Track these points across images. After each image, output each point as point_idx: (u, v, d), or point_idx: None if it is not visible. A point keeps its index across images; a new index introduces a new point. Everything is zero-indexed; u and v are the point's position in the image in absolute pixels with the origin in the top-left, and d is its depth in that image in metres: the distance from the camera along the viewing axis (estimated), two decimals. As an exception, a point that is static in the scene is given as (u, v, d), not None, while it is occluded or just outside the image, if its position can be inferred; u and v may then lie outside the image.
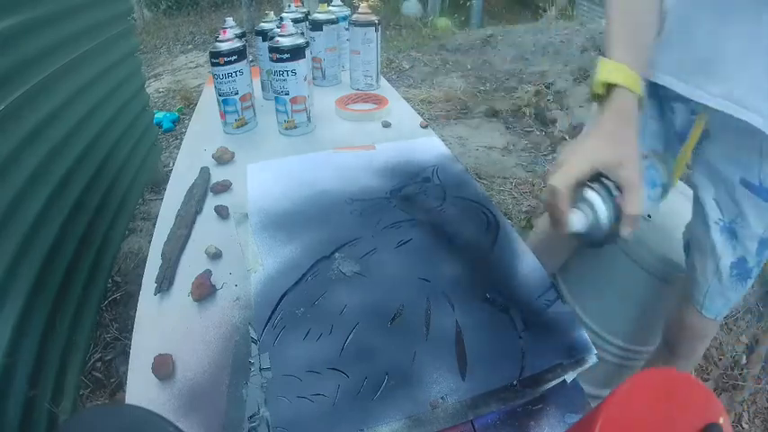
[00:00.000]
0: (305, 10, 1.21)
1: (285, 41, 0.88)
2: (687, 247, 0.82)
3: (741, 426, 1.16)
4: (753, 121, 0.60)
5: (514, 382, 0.47)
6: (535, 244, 0.94)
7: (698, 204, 0.75)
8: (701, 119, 0.68)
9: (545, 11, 5.29)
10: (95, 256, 1.37)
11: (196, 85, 3.42)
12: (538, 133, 2.61)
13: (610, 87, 0.51)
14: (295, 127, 0.97)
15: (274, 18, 1.14)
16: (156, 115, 2.56)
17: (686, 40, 0.63)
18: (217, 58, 0.91)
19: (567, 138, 2.50)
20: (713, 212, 0.72)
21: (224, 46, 0.91)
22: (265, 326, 0.53)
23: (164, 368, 0.48)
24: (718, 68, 0.61)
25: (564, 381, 0.48)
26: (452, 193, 0.76)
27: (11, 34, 1.03)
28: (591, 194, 0.47)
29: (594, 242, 0.49)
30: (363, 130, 1.00)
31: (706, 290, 0.76)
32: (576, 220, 0.48)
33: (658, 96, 0.72)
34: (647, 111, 0.73)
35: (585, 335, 0.52)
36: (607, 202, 0.46)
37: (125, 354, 1.28)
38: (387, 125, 1.02)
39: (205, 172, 0.83)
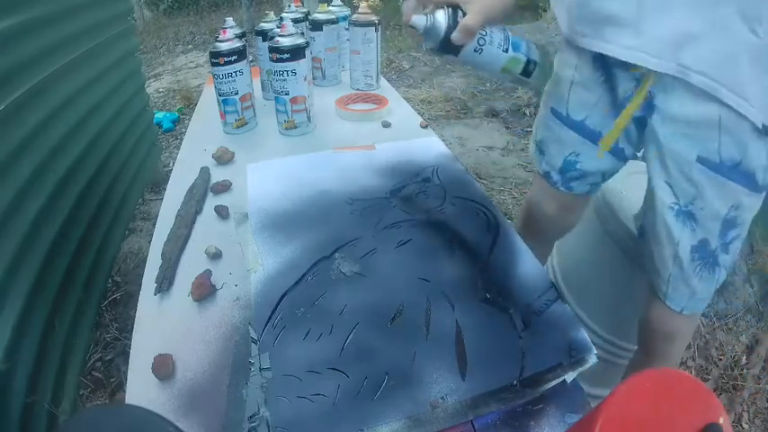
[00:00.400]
0: (305, 10, 1.21)
1: (285, 41, 0.88)
2: (641, 235, 0.76)
3: (741, 426, 1.16)
4: (705, 86, 0.56)
5: (514, 382, 0.47)
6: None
7: (648, 190, 0.70)
8: (645, 81, 0.63)
9: (545, 11, 5.29)
10: (95, 256, 1.37)
11: (196, 85, 3.42)
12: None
13: None
14: (295, 127, 0.97)
15: (274, 18, 1.14)
16: (156, 115, 2.56)
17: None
18: (217, 58, 0.91)
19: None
20: (666, 197, 0.66)
21: (224, 46, 0.91)
22: (265, 326, 0.53)
23: (164, 368, 0.48)
24: (655, 23, 0.57)
25: (564, 381, 0.48)
26: (452, 193, 0.76)
27: (11, 34, 1.03)
28: (438, 9, 0.61)
29: (435, 46, 0.62)
30: (363, 130, 1.00)
31: (667, 277, 0.71)
32: (417, 18, 0.62)
33: (604, 65, 0.68)
34: (601, 83, 0.70)
35: (585, 335, 0.52)
36: (448, 17, 0.60)
37: (125, 354, 1.28)
38: (387, 125, 1.02)
39: (205, 172, 0.83)
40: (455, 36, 0.60)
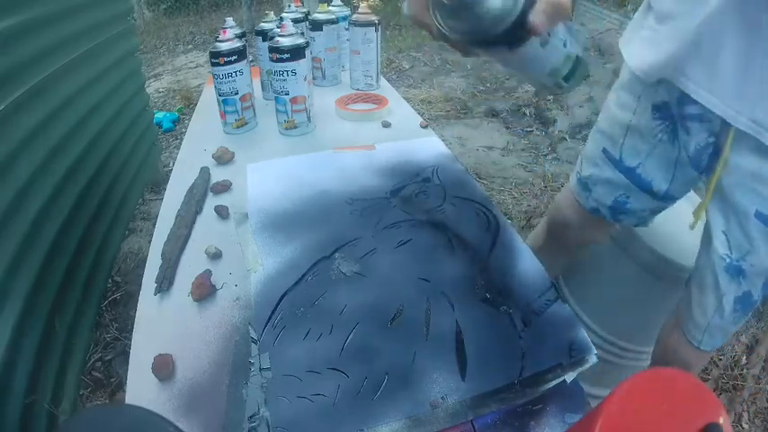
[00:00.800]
0: (305, 10, 1.21)
1: (285, 41, 0.88)
2: (687, 280, 0.76)
3: (741, 426, 1.16)
4: None
5: (514, 382, 0.47)
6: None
7: (706, 236, 0.69)
8: (726, 143, 0.61)
9: (545, 11, 5.28)
10: (95, 256, 1.37)
11: (196, 85, 3.42)
12: (538, 133, 2.61)
13: None
14: (295, 127, 0.97)
15: (274, 18, 1.14)
16: (156, 115, 2.56)
17: (714, 52, 0.57)
18: (217, 58, 0.91)
19: (567, 138, 2.50)
20: (721, 247, 0.65)
21: (224, 46, 0.91)
22: (265, 326, 0.53)
23: (164, 368, 0.48)
24: (743, 86, 0.56)
25: (564, 381, 0.48)
26: (452, 193, 0.76)
27: (11, 34, 1.03)
28: None
29: (498, 29, 0.39)
30: (363, 130, 1.00)
31: (705, 327, 0.71)
32: None
33: (671, 116, 0.68)
34: (657, 134, 0.70)
35: (585, 335, 0.52)
36: None
37: (125, 354, 1.28)
38: (387, 125, 1.02)
39: (205, 172, 0.83)
40: (538, 19, 0.38)
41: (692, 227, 0.72)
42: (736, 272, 0.65)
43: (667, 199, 0.76)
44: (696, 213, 0.70)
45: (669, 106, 0.66)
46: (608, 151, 0.77)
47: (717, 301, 0.68)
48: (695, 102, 0.61)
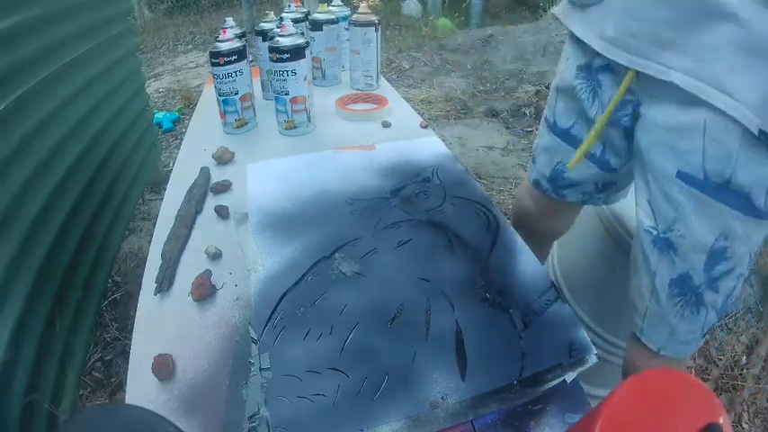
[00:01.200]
0: (305, 10, 1.21)
1: (285, 41, 0.88)
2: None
3: (741, 426, 1.16)
4: (687, 85, 0.49)
5: (514, 382, 0.47)
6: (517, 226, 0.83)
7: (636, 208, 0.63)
8: (623, 82, 0.57)
9: (545, 11, 5.29)
10: (95, 256, 1.37)
11: (196, 85, 3.42)
12: (538, 133, 2.61)
13: None
14: (295, 127, 0.97)
15: (274, 18, 1.14)
16: (156, 115, 2.56)
17: None
18: (217, 58, 0.91)
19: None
20: (645, 219, 0.58)
21: (224, 46, 0.91)
22: (265, 326, 0.53)
23: (164, 368, 0.48)
24: (630, 14, 0.53)
25: (564, 381, 0.48)
26: (452, 193, 0.76)
27: (10, 34, 1.03)
28: None
29: None
30: (363, 130, 1.00)
31: (644, 311, 0.62)
32: None
33: (591, 75, 0.65)
34: (579, 93, 0.67)
35: (585, 335, 0.52)
36: None
37: (125, 354, 1.28)
38: (387, 125, 1.02)
39: (205, 172, 0.83)
40: None
41: (569, 167, 0.70)
42: (665, 245, 0.57)
43: (603, 165, 0.69)
44: (577, 155, 0.68)
45: (591, 66, 0.64)
46: (547, 118, 0.77)
47: (650, 283, 0.60)
48: (600, 54, 0.59)
